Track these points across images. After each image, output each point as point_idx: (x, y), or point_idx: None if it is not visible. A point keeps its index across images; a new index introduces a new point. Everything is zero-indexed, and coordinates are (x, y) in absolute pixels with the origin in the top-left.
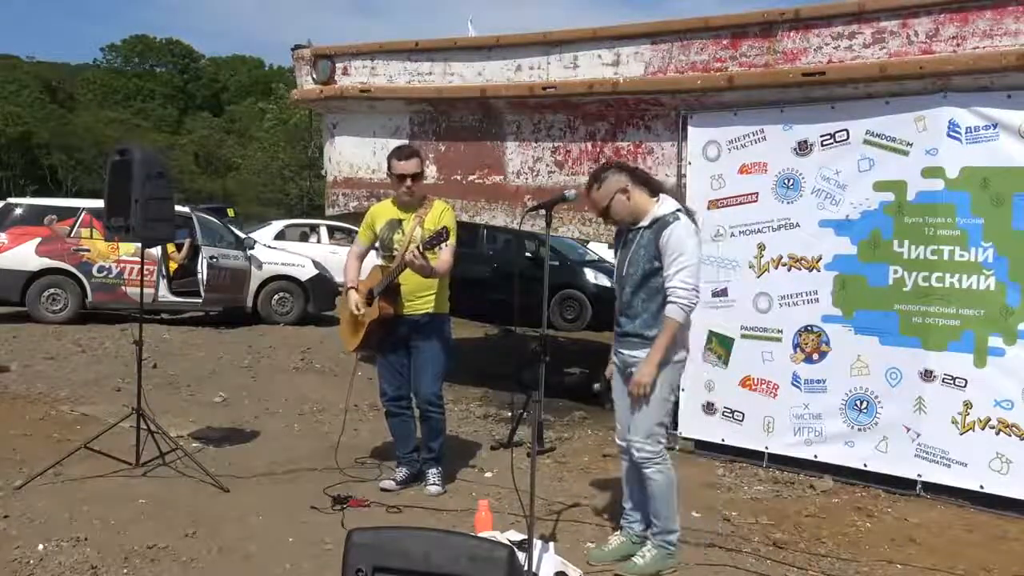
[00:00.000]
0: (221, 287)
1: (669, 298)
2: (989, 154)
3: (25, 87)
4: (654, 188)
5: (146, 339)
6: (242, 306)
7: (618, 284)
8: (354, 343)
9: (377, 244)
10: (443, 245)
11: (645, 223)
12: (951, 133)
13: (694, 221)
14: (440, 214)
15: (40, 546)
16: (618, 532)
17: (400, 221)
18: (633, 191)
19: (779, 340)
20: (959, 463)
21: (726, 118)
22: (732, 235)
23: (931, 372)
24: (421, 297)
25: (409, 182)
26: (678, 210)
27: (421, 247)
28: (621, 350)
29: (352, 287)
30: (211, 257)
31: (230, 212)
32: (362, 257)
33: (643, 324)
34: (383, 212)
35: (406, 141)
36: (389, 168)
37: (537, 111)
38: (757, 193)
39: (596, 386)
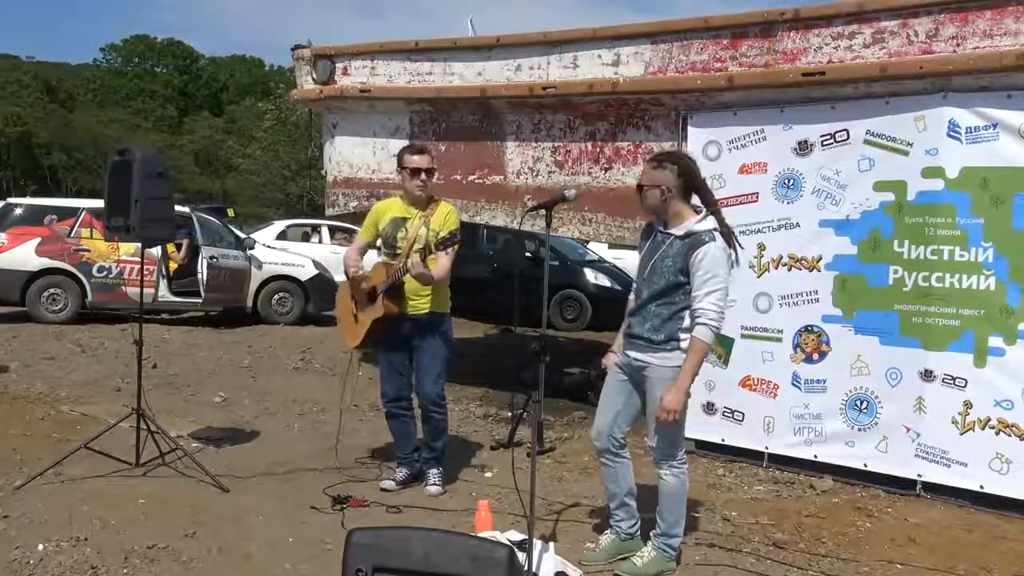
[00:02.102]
0: (221, 287)
1: (698, 319)
2: (989, 154)
3: (25, 87)
4: (703, 200)
5: (146, 339)
6: (242, 306)
7: (636, 285)
8: (356, 340)
9: (380, 241)
10: (452, 248)
11: (678, 232)
12: (951, 133)
13: (733, 244)
14: (446, 216)
15: (40, 546)
16: (607, 531)
17: (405, 220)
18: (673, 199)
19: (779, 340)
20: (959, 463)
21: (726, 118)
22: None
23: (931, 372)
24: (423, 296)
25: (423, 176)
26: (714, 229)
27: (431, 249)
28: (628, 351)
29: (352, 272)
30: (211, 257)
31: (230, 212)
32: (363, 253)
33: (651, 329)
34: (388, 209)
35: (406, 141)
36: (401, 164)
37: (537, 111)
38: (757, 193)
39: (594, 373)
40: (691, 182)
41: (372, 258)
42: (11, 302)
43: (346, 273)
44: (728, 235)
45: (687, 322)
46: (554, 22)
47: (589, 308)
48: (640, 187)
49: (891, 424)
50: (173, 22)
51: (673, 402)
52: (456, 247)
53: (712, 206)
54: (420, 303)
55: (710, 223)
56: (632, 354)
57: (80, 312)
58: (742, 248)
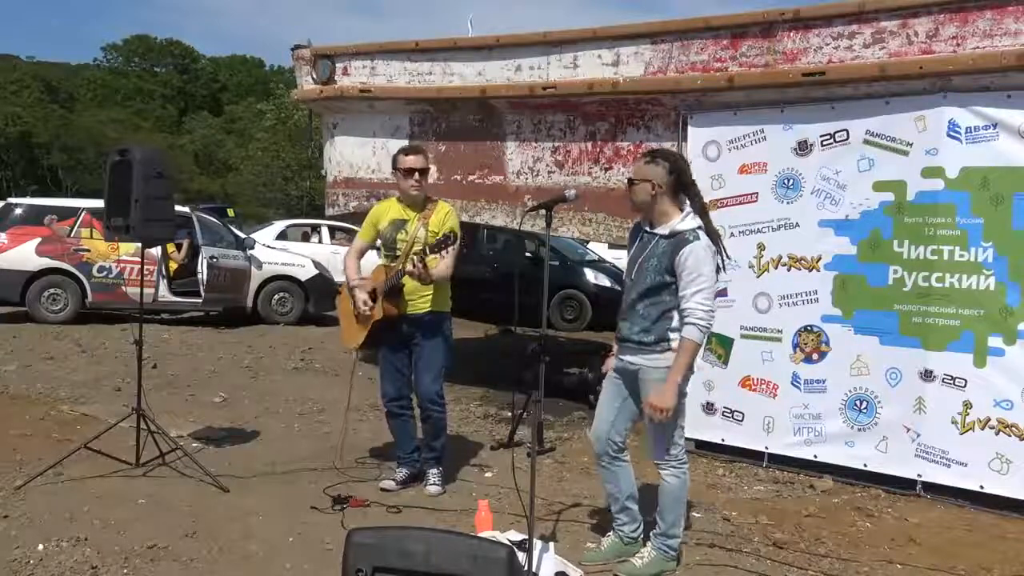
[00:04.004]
0: (221, 287)
1: (687, 319)
2: (989, 154)
3: (25, 87)
4: (689, 199)
5: (146, 339)
6: (242, 306)
7: (626, 287)
8: (357, 342)
9: (379, 243)
10: (449, 249)
11: (663, 231)
12: (951, 133)
13: (720, 248)
14: (444, 216)
15: (40, 546)
16: (610, 533)
17: (404, 221)
18: (662, 196)
19: (779, 340)
20: (959, 463)
21: (726, 118)
22: (732, 235)
23: (931, 372)
24: (423, 296)
25: (417, 176)
26: (699, 228)
27: (427, 251)
28: (621, 356)
29: (355, 284)
30: (211, 257)
31: (230, 212)
32: (362, 255)
33: (641, 331)
34: (387, 211)
35: (406, 141)
36: (395, 165)
37: (537, 111)
38: (757, 193)
39: (591, 375)
40: (681, 180)
41: (371, 259)
42: (11, 302)
43: (349, 289)
44: (716, 238)
45: (676, 322)
46: (554, 22)
47: (589, 308)
48: (630, 181)
49: (891, 424)
50: (173, 22)
51: (661, 400)
52: (455, 246)
53: (699, 207)
54: (420, 303)
55: (694, 222)
56: (625, 358)
57: (80, 312)
58: (729, 258)
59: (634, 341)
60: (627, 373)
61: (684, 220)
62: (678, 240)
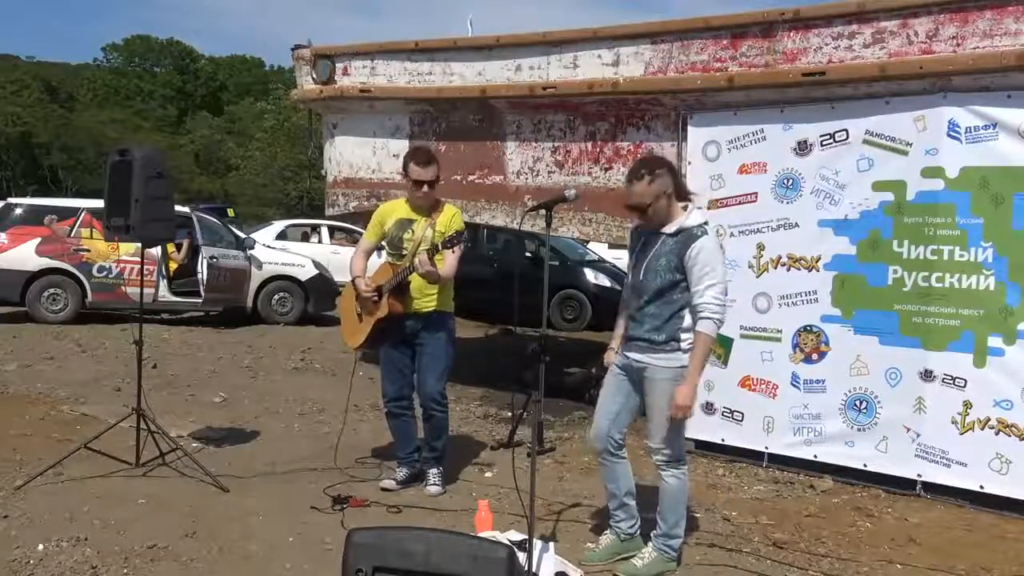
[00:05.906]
0: (221, 287)
1: (702, 314)
2: (989, 154)
3: (25, 87)
4: (684, 196)
5: (146, 339)
6: (242, 306)
7: (631, 288)
8: (359, 340)
9: (385, 242)
10: (458, 247)
11: (669, 230)
12: (951, 133)
13: None
14: (451, 218)
15: (40, 546)
16: (607, 532)
17: (411, 221)
18: (672, 198)
19: (778, 340)
20: (959, 463)
21: (726, 118)
22: (731, 235)
23: (931, 372)
24: (427, 295)
25: (426, 188)
26: (705, 223)
27: (438, 248)
28: (627, 354)
29: (358, 276)
30: (211, 257)
31: (230, 212)
32: (369, 254)
33: (651, 330)
34: (394, 211)
35: (406, 141)
36: (405, 171)
37: (537, 111)
38: (756, 193)
39: (594, 371)
40: (676, 178)
41: (375, 261)
42: (11, 302)
43: (353, 281)
44: None
45: (687, 321)
46: (554, 22)
47: (589, 308)
48: (645, 206)
49: (891, 424)
50: (173, 22)
51: (686, 398)
52: (462, 246)
53: (690, 198)
54: (424, 302)
55: (700, 217)
56: (632, 356)
57: (80, 312)
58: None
59: (644, 340)
60: (633, 371)
61: (690, 216)
62: (686, 236)
